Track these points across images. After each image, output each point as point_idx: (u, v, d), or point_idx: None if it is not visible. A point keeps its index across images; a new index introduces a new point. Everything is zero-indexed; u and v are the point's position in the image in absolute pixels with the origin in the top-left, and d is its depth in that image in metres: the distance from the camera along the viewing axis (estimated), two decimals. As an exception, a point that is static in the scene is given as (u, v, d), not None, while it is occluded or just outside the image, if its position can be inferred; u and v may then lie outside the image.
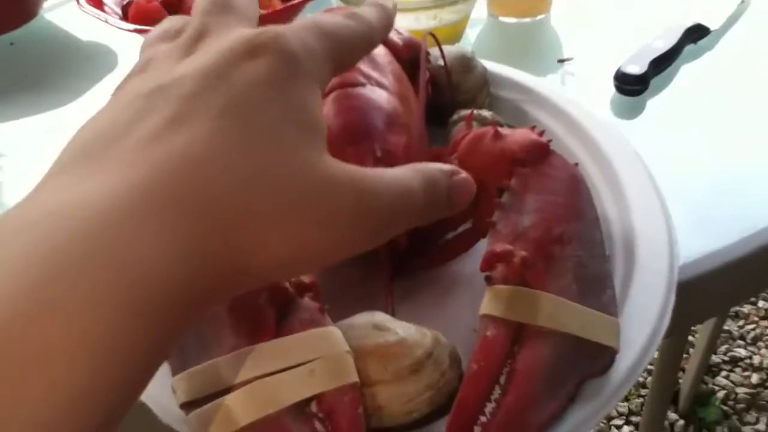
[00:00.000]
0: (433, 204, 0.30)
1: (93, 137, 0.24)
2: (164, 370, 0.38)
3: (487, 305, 0.37)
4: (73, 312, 0.19)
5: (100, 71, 0.86)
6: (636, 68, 0.69)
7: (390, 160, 0.46)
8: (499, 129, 0.45)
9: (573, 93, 0.64)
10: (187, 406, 0.35)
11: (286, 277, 0.25)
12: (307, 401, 0.35)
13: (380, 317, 0.40)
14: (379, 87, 0.52)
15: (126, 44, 0.89)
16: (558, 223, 0.39)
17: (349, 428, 0.34)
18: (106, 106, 0.27)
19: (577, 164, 0.45)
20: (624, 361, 0.38)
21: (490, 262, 0.38)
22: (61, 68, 0.88)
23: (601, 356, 0.36)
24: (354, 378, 0.35)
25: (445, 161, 0.47)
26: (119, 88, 0.28)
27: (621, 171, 0.51)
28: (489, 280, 0.38)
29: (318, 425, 0.34)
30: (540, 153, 0.43)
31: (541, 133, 0.45)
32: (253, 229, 0.23)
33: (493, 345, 0.35)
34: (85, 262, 0.19)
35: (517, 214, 0.40)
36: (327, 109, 0.49)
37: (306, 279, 0.39)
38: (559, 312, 0.36)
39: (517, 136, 0.44)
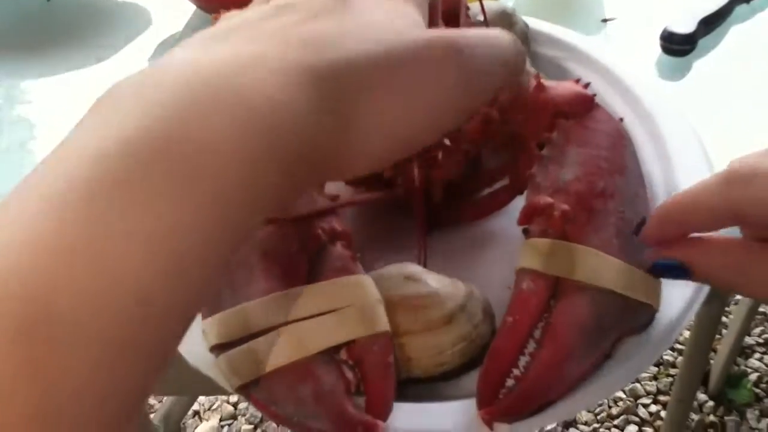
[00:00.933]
0: (520, 59, 0.30)
1: (223, 29, 0.24)
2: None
3: (525, 258, 0.36)
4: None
5: (134, 29, 0.86)
6: (684, 27, 0.66)
7: None
8: (543, 81, 0.43)
9: (617, 53, 0.61)
10: (217, 348, 0.35)
11: (389, 157, 0.26)
12: (337, 348, 0.34)
13: (412, 268, 0.39)
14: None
15: (160, 3, 0.88)
16: (601, 177, 0.38)
17: (379, 376, 0.33)
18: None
19: (621, 119, 0.43)
20: (663, 321, 0.36)
21: (529, 215, 0.37)
22: (95, 26, 0.88)
23: (640, 314, 0.35)
24: (385, 326, 0.35)
25: (483, 113, 0.45)
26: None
27: (665, 130, 0.49)
28: (527, 233, 0.37)
29: (347, 372, 0.33)
30: (584, 106, 0.41)
31: (586, 86, 0.43)
32: (367, 94, 0.24)
33: (529, 298, 0.34)
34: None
35: (557, 167, 0.38)
36: None
37: (338, 226, 0.38)
38: (599, 267, 0.34)
39: (560, 88, 0.43)
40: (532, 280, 0.35)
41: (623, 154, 0.40)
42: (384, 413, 0.33)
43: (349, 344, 0.34)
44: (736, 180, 0.30)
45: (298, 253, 0.37)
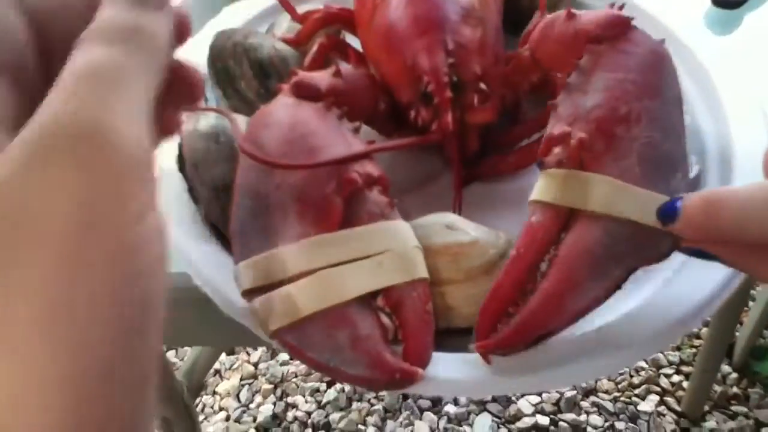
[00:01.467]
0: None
1: None
2: (226, 260, 0.37)
3: (537, 191, 0.34)
4: None
5: None
6: (735, -22, 0.62)
7: (462, 54, 0.43)
8: (573, 10, 0.40)
9: (663, 5, 0.58)
10: (250, 293, 0.33)
11: None
12: (374, 294, 0.33)
13: (452, 217, 0.37)
14: (455, -22, 0.47)
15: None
16: (626, 102, 0.35)
17: (418, 323, 0.32)
18: None
19: (663, 40, 0.40)
20: (714, 277, 0.35)
21: (546, 146, 0.35)
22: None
23: (660, 242, 0.32)
24: (423, 273, 0.33)
25: (518, 58, 0.43)
26: None
27: (717, 80, 0.46)
28: (542, 165, 0.34)
29: (385, 318, 0.32)
30: (618, 28, 0.38)
31: (621, 8, 0.40)
32: None
33: (536, 231, 0.33)
34: None
35: (581, 95, 0.36)
36: (395, 1, 0.46)
37: (375, 172, 0.37)
38: (615, 196, 0.32)
39: (592, 14, 0.40)
40: (541, 213, 0.33)
41: (657, 76, 0.37)
42: (423, 361, 0.32)
43: (386, 291, 0.33)
44: None
45: (333, 197, 0.35)
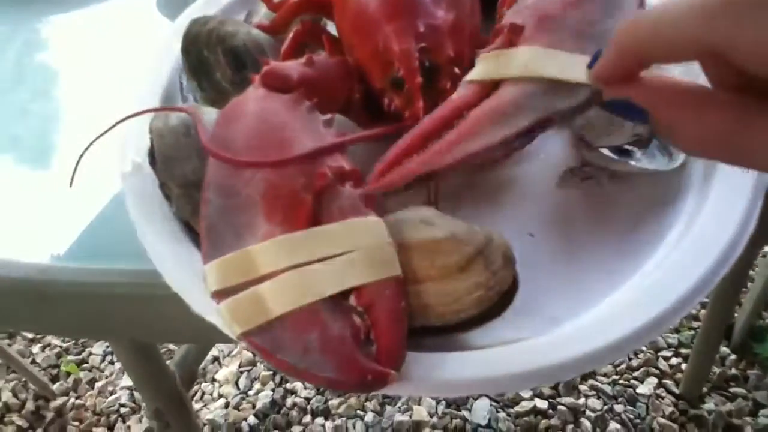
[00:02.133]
0: None
1: None
2: (195, 257, 0.36)
3: (468, 74, 0.34)
4: None
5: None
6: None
7: (435, 37, 0.41)
8: None
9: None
10: (218, 294, 0.33)
11: None
12: (346, 294, 0.32)
13: (429, 212, 0.36)
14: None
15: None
16: None
17: (390, 323, 0.31)
18: None
19: None
20: (706, 260, 0.34)
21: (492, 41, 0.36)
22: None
23: (576, 93, 0.32)
24: (397, 271, 0.32)
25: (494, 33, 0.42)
26: None
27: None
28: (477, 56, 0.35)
29: (356, 319, 0.31)
30: None
31: None
32: None
33: (454, 101, 0.33)
34: None
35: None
36: None
37: (347, 166, 0.35)
38: (536, 59, 0.33)
39: None
40: (464, 89, 0.34)
41: None
42: (395, 362, 0.31)
43: (358, 290, 0.32)
44: (726, 10, 0.22)
45: (303, 193, 0.34)
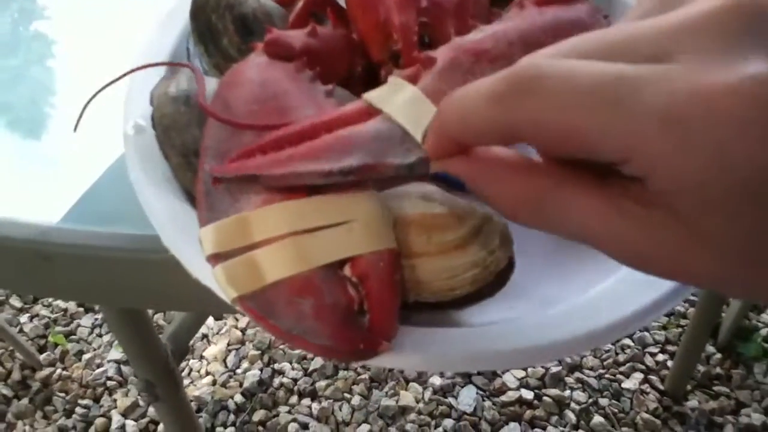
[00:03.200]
0: None
1: None
2: (194, 221, 0.36)
3: (374, 90, 0.34)
4: None
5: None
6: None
7: (437, 13, 0.41)
8: None
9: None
10: (214, 258, 0.32)
11: None
12: (341, 263, 0.32)
13: (429, 188, 0.36)
14: None
15: None
16: (494, 41, 0.33)
17: (383, 295, 0.31)
18: None
19: (607, 16, 0.37)
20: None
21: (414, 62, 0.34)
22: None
23: (410, 154, 0.30)
24: (392, 243, 0.32)
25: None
26: None
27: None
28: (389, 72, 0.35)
29: (350, 289, 0.31)
30: None
31: None
32: None
33: (334, 114, 0.33)
34: None
35: (476, 34, 0.35)
36: None
37: (348, 137, 0.35)
38: (409, 105, 0.31)
39: None
40: (355, 104, 0.33)
41: (554, 38, 0.33)
42: (388, 333, 0.31)
43: (354, 260, 0.32)
44: (513, 91, 0.22)
45: (303, 162, 0.34)
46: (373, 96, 0.33)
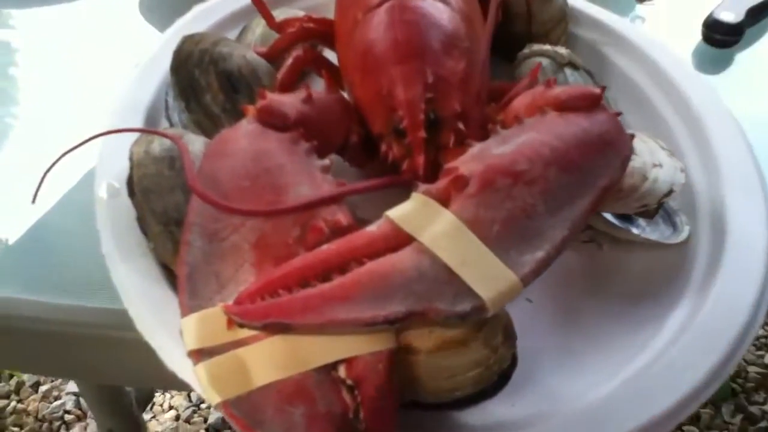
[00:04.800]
0: None
1: None
2: (173, 305, 0.33)
3: (397, 207, 0.32)
4: None
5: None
6: (731, 15, 0.60)
7: (443, 88, 0.39)
8: (554, 80, 0.38)
9: (662, 42, 0.56)
10: (196, 354, 0.29)
11: None
12: (335, 364, 0.29)
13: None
14: (442, 2, 0.44)
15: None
16: (529, 161, 0.32)
17: (381, 402, 0.29)
18: None
19: (633, 135, 0.37)
20: (706, 362, 0.32)
21: (440, 176, 0.33)
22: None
23: (461, 300, 0.29)
24: (392, 342, 0.30)
25: (493, 115, 0.40)
26: None
27: (713, 133, 0.44)
28: (415, 187, 0.33)
29: (345, 394, 0.29)
30: (585, 102, 0.35)
31: (603, 88, 0.37)
32: None
33: (361, 236, 0.31)
34: None
35: (499, 143, 0.34)
36: (378, 20, 0.42)
37: (344, 220, 0.33)
38: (449, 238, 0.30)
39: (571, 87, 0.38)
40: (382, 226, 0.31)
41: (585, 157, 0.33)
42: (385, 445, 0.28)
43: (350, 361, 0.29)
44: None
45: (296, 247, 0.32)
46: (401, 217, 0.31)
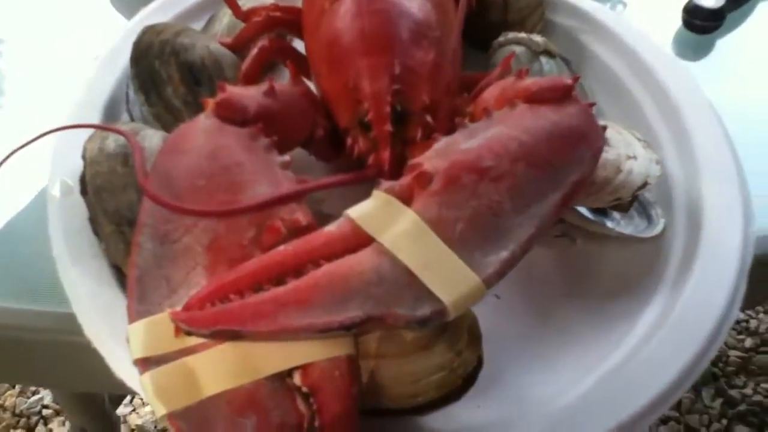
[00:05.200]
0: None
1: None
2: (121, 313, 0.31)
3: (357, 205, 0.30)
4: None
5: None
6: (712, 1, 0.59)
7: (411, 80, 0.38)
8: (527, 70, 0.37)
9: (641, 30, 0.54)
10: (143, 363, 0.28)
11: None
12: (289, 371, 0.28)
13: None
14: (412, -11, 0.42)
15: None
16: (496, 157, 0.30)
17: (339, 410, 0.27)
18: None
19: (606, 127, 0.35)
20: (682, 357, 0.31)
21: (404, 171, 0.32)
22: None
23: (422, 305, 0.27)
24: (349, 348, 0.29)
25: (462, 107, 0.39)
26: None
27: (691, 124, 0.43)
28: (377, 184, 0.31)
29: (300, 403, 0.27)
30: (556, 93, 0.34)
31: (576, 79, 0.35)
32: None
33: (318, 239, 0.29)
34: None
35: (466, 138, 0.32)
36: (345, 9, 0.40)
37: (303, 220, 0.31)
38: (410, 240, 0.28)
39: (542, 78, 0.37)
40: (341, 225, 0.29)
41: (555, 152, 0.32)
42: (343, 457, 0.27)
43: (305, 367, 0.28)
44: None
45: (251, 248, 0.30)
46: (361, 216, 0.29)
